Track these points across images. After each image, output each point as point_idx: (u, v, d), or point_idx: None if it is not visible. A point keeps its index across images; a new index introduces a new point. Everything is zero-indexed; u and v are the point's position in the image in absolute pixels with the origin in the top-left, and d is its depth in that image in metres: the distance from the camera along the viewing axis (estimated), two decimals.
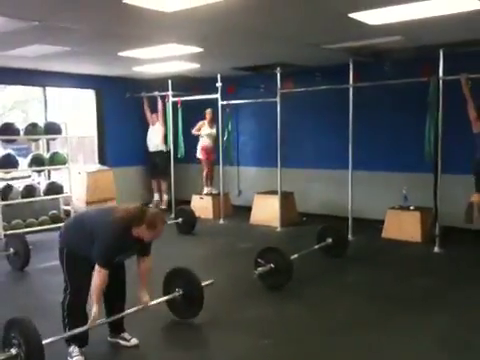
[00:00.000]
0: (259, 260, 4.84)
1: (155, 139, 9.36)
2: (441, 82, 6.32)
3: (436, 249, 6.41)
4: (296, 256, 5.28)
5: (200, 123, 9.12)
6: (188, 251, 6.61)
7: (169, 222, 7.73)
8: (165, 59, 7.50)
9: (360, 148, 7.56)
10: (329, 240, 5.96)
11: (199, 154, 9.19)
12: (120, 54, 7.02)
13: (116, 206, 4.33)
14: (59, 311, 3.61)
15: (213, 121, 8.98)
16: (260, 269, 4.78)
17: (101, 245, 3.41)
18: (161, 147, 9.42)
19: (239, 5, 4.48)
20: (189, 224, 7.61)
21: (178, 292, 4.15)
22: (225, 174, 8.97)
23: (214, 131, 9.02)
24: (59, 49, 6.63)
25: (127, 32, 5.67)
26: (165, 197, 9.73)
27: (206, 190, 9.23)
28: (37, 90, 9.10)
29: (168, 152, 9.26)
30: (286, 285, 4.85)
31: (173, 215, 8.20)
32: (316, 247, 5.78)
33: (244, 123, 9.70)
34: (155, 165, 9.50)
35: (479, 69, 5.98)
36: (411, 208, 7.17)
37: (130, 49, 6.72)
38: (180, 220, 7.68)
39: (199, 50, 6.76)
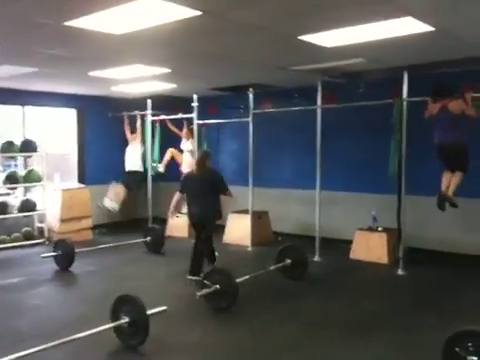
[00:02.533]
0: (205, 281, 4.82)
1: (132, 158, 9.32)
2: (405, 103, 6.34)
3: (400, 271, 6.35)
4: (247, 277, 5.27)
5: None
6: (151, 271, 6.61)
7: (137, 241, 7.77)
8: (138, 79, 7.60)
9: (331, 168, 7.60)
10: (287, 261, 5.93)
11: (185, 169, 9.06)
12: (91, 74, 7.13)
13: None
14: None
15: (190, 137, 9.01)
16: (204, 290, 4.76)
17: None
18: (137, 167, 9.31)
19: (188, 30, 4.56)
20: (158, 243, 7.62)
21: (124, 319, 4.10)
22: None
23: (190, 146, 9.03)
24: (29, 70, 6.76)
25: (82, 54, 5.79)
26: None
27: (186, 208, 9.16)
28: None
29: (145, 172, 9.27)
30: (232, 307, 4.82)
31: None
32: (271, 268, 5.75)
33: (222, 142, 9.76)
34: (127, 186, 9.33)
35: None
36: (379, 229, 7.15)
37: (99, 69, 6.82)
38: (149, 239, 7.68)
39: (167, 71, 6.86)
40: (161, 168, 9.17)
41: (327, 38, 5.04)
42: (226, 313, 4.83)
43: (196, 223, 6.21)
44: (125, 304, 4.18)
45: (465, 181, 5.75)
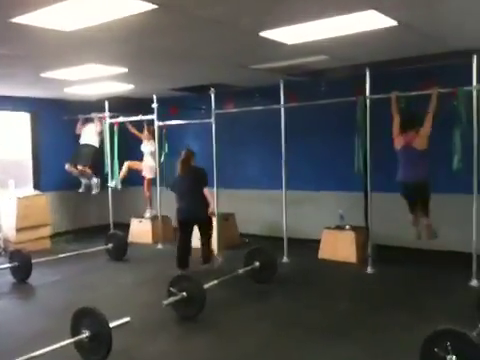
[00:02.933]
0: (171, 289, 4.61)
1: (88, 136, 8.90)
2: (368, 101, 6.27)
3: (368, 270, 6.29)
4: (216, 282, 5.08)
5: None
6: (114, 279, 6.33)
7: (99, 248, 7.45)
8: (94, 80, 7.29)
9: (296, 167, 7.51)
10: (256, 264, 5.78)
11: (146, 173, 8.87)
12: (43, 75, 6.78)
13: None
14: None
15: (151, 138, 8.74)
16: (171, 299, 4.54)
17: None
18: (94, 143, 8.88)
19: (143, 26, 4.33)
20: (120, 250, 7.33)
21: (85, 333, 3.84)
22: (166, 196, 8.73)
23: (151, 148, 8.75)
24: None
25: (31, 53, 5.46)
26: (94, 180, 8.97)
27: (149, 213, 8.93)
28: None
29: (100, 148, 8.85)
30: (200, 314, 4.62)
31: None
32: (240, 271, 5.58)
33: (185, 144, 9.48)
34: (79, 153, 8.82)
35: (411, 88, 5.95)
36: (347, 228, 7.08)
37: (50, 70, 6.48)
38: (110, 246, 7.38)
39: (124, 70, 6.59)
40: (119, 185, 8.78)
41: (288, 34, 4.90)
42: (194, 320, 4.62)
43: (185, 220, 6.36)
44: (86, 317, 3.92)
45: (434, 176, 5.74)
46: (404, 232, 7.06)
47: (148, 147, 8.82)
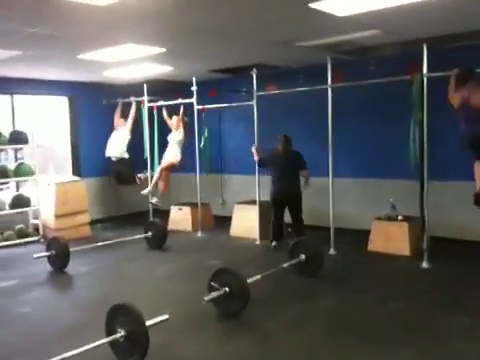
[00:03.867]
0: (212, 283, 4.28)
1: (117, 145, 8.57)
2: (426, 80, 5.71)
3: (424, 264, 5.80)
4: (259, 277, 4.72)
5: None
6: (152, 270, 6.06)
7: (138, 236, 7.23)
8: (132, 61, 7.02)
9: (343, 154, 7.04)
10: (302, 257, 5.39)
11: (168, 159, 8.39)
12: (80, 57, 6.54)
13: None
14: None
15: (179, 126, 8.33)
16: (212, 294, 4.21)
17: None
18: (124, 154, 8.57)
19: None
20: (159, 238, 7.07)
21: (120, 333, 3.56)
22: (207, 183, 8.46)
23: (178, 137, 8.32)
24: (12, 53, 6.18)
25: (66, 32, 5.17)
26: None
27: (155, 200, 8.52)
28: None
29: (131, 159, 8.59)
30: (243, 312, 4.28)
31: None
32: (285, 265, 5.20)
33: (227, 128, 9.15)
34: (119, 173, 8.68)
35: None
36: (399, 218, 6.57)
37: (88, 51, 6.23)
38: (150, 234, 7.13)
39: (162, 50, 6.26)
40: (160, 203, 8.49)
41: (339, 5, 4.44)
42: (236, 319, 4.28)
43: (282, 199, 6.86)
44: (121, 315, 3.64)
45: None
46: (463, 223, 6.54)
47: (176, 136, 8.31)
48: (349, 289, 5.12)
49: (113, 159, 8.57)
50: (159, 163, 8.42)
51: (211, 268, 5.65)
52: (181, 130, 8.26)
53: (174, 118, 8.36)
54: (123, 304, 3.63)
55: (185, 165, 8.44)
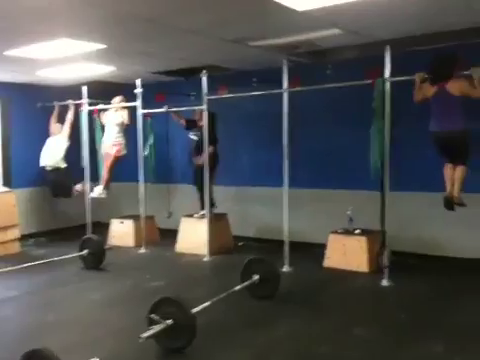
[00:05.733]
0: (152, 316, 3.65)
1: (52, 153, 7.77)
2: (388, 84, 5.34)
3: (384, 282, 5.39)
4: (207, 304, 4.13)
5: None
6: (86, 295, 5.28)
7: (73, 255, 6.47)
8: (69, 60, 6.32)
9: (299, 162, 6.58)
10: (255, 277, 4.85)
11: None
12: (7, 54, 5.79)
13: None
14: None
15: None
16: (151, 330, 3.57)
17: None
18: (60, 163, 7.77)
19: None
20: (96, 257, 6.34)
21: None
22: (153, 193, 7.81)
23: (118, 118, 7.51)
24: None
25: None
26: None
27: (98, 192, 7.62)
28: None
29: (68, 169, 7.82)
30: (189, 346, 3.67)
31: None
32: (237, 289, 4.63)
33: (176, 134, 8.49)
34: (55, 184, 7.89)
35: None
36: (357, 232, 6.18)
37: (16, 47, 5.50)
38: (86, 252, 6.38)
39: (102, 46, 5.61)
40: (103, 194, 7.60)
41: None
42: (182, 355, 3.66)
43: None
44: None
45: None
46: (425, 237, 6.23)
47: (115, 117, 7.50)
48: (309, 312, 4.61)
49: (48, 168, 7.76)
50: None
51: (154, 291, 5.06)
52: (124, 113, 7.47)
53: (117, 98, 7.61)
54: (41, 350, 2.95)
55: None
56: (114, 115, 7.53)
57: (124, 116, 7.46)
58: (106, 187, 7.58)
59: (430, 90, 4.90)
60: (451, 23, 5.04)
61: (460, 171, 4.88)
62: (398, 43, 5.47)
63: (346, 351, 3.75)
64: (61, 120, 7.96)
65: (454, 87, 4.73)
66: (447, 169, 5.01)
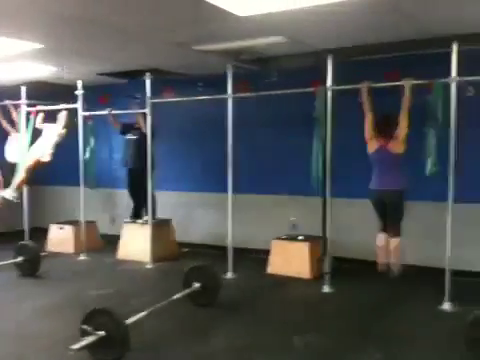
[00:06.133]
0: (84, 327, 3.51)
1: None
2: (330, 93, 5.39)
3: (325, 288, 5.43)
4: (145, 313, 4.01)
5: None
6: (19, 305, 5.00)
7: (7, 262, 6.17)
8: (5, 59, 6.06)
9: (244, 168, 6.56)
10: (196, 285, 4.77)
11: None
12: None
13: None
14: None
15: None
16: (84, 340, 3.43)
17: None
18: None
19: None
20: (33, 264, 6.07)
21: None
22: (95, 198, 7.59)
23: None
24: None
25: None
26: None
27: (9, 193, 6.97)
28: None
29: None
30: (122, 359, 3.54)
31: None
32: (176, 297, 4.53)
33: (119, 138, 8.29)
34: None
35: (378, 78, 5.16)
36: (299, 238, 6.22)
37: None
38: (21, 259, 6.10)
39: (40, 46, 5.40)
40: (13, 194, 6.93)
41: (242, 3, 3.94)
42: None
43: None
44: None
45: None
46: (365, 243, 6.32)
47: (55, 129, 7.10)
48: (250, 320, 4.57)
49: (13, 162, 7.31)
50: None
51: (92, 301, 4.90)
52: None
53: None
54: None
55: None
56: (56, 127, 7.20)
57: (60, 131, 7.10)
58: (18, 189, 7.17)
59: (373, 145, 4.98)
60: (392, 35, 5.16)
61: (396, 242, 4.98)
62: (342, 53, 5.56)
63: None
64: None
65: (396, 145, 4.85)
66: (381, 239, 5.09)
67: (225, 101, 6.02)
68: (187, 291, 4.68)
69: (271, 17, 4.27)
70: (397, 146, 4.85)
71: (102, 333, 3.47)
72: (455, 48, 4.67)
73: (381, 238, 5.10)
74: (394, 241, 5.00)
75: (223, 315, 4.68)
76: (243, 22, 4.38)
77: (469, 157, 5.34)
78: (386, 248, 5.06)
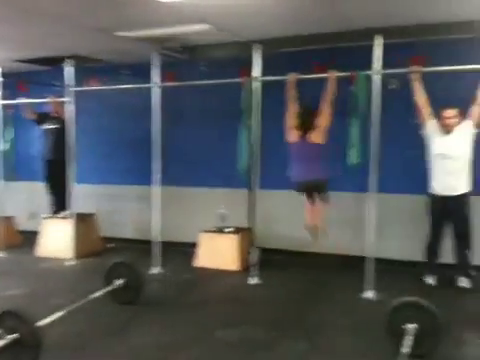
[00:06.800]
0: None
1: None
2: (258, 84, 5.33)
3: (252, 280, 5.41)
4: (62, 314, 3.79)
5: None
6: None
7: None
8: None
9: (171, 159, 6.40)
10: (119, 282, 4.58)
11: None
12: None
13: None
14: None
15: None
16: None
17: None
18: None
19: None
20: None
21: None
22: (13, 192, 7.16)
23: None
24: None
25: None
26: None
27: None
28: None
29: None
30: None
31: None
32: (96, 295, 4.32)
33: (34, 129, 7.83)
34: None
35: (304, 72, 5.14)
36: (227, 230, 6.16)
37: None
38: None
39: None
40: None
41: None
42: None
43: None
44: None
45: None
46: (292, 233, 6.38)
47: None
48: (175, 316, 4.44)
49: None
50: None
51: (8, 301, 4.60)
52: None
53: None
54: None
55: None
56: None
57: None
58: None
59: (294, 136, 4.98)
60: (320, 27, 5.18)
61: (321, 209, 5.07)
62: (270, 43, 5.53)
63: (206, 357, 3.64)
64: None
65: (316, 135, 4.86)
66: (308, 210, 5.16)
67: (151, 91, 5.82)
68: (108, 289, 4.48)
69: (194, 4, 4.14)
70: (318, 136, 4.86)
71: (13, 336, 3.23)
72: (378, 41, 4.75)
73: (308, 206, 5.17)
74: (319, 207, 5.09)
75: (147, 312, 4.52)
76: (165, 8, 4.22)
77: (390, 148, 5.47)
78: (312, 211, 5.14)
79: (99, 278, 4.72)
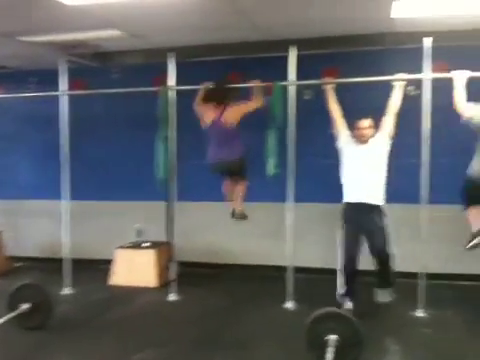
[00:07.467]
0: None
1: None
2: (173, 93, 5.17)
3: (172, 297, 5.21)
4: None
5: None
6: None
7: None
8: None
9: (82, 172, 6.07)
10: (25, 306, 4.21)
11: None
12: None
13: None
14: None
15: None
16: None
17: None
18: None
19: None
20: None
21: None
22: None
23: None
24: None
25: None
26: None
27: None
28: None
29: None
30: None
31: None
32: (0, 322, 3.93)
33: None
34: None
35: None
36: (145, 245, 5.92)
37: None
38: None
39: None
40: None
41: None
42: None
43: None
44: None
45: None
46: (211, 246, 6.27)
47: None
48: (86, 340, 4.12)
49: None
50: None
51: None
52: None
53: None
54: None
55: None
56: None
57: None
58: None
59: (208, 118, 4.85)
60: (236, 37, 5.13)
61: (241, 187, 4.97)
62: (185, 52, 5.40)
63: None
64: None
65: (230, 115, 4.75)
66: (227, 185, 5.06)
67: (65, 100, 5.47)
68: (12, 314, 4.09)
69: (102, 8, 3.91)
70: (231, 116, 4.74)
71: None
72: (292, 52, 4.76)
73: (227, 184, 5.06)
74: (240, 185, 4.98)
75: (56, 337, 4.17)
76: (71, 12, 3.95)
77: (306, 158, 5.50)
78: (233, 193, 5.04)
79: (2, 302, 4.31)
